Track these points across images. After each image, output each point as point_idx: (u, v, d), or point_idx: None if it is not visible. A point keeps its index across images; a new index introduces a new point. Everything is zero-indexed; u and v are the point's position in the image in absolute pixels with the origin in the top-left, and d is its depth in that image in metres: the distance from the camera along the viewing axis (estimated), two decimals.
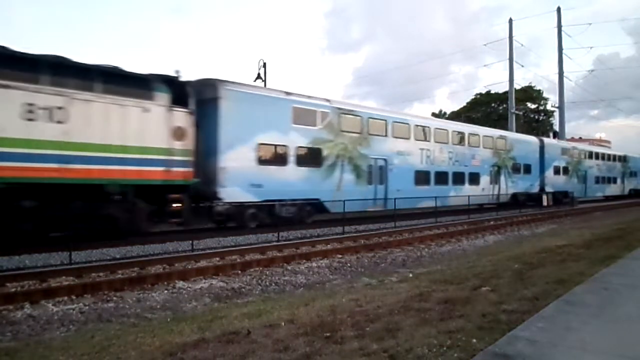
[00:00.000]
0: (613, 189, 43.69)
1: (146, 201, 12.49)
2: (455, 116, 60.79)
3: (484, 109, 63.61)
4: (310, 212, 17.53)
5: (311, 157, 17.41)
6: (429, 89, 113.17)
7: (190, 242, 11.91)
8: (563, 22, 46.55)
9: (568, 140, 47.26)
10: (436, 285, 6.84)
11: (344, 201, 16.24)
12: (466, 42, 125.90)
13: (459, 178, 24.59)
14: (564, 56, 46.44)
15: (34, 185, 10.55)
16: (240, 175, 14.93)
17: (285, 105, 16.74)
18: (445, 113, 69.51)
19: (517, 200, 28.73)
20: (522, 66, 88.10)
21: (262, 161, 15.79)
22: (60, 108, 10.78)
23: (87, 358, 4.38)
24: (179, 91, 12.92)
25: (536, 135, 40.41)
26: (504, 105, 54.89)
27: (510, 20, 45.12)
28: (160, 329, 5.48)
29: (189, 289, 8.43)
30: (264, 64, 26.87)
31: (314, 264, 10.95)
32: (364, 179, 19.37)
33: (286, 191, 16.31)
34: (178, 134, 12.78)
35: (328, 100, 18.56)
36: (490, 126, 35.10)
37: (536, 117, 63.92)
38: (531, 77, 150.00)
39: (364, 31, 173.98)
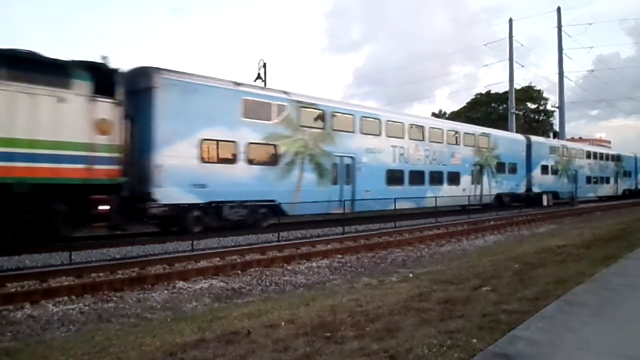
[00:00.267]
0: (606, 190, 42.29)
1: (65, 203, 11.09)
2: (455, 116, 60.76)
3: (484, 109, 63.52)
4: (265, 215, 16.17)
5: (265, 155, 16.15)
6: (429, 89, 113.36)
7: (191, 242, 11.92)
8: (563, 22, 46.58)
9: (568, 140, 47.26)
10: (436, 285, 6.84)
11: (302, 203, 15.43)
12: (466, 42, 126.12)
13: (436, 178, 23.25)
14: (564, 56, 46.47)
15: None
16: (179, 174, 13.55)
17: (233, 97, 15.22)
18: (445, 113, 69.46)
19: (502, 201, 27.77)
20: (522, 66, 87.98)
21: (206, 159, 14.43)
22: None
23: (87, 358, 4.38)
24: (105, 80, 11.49)
25: (536, 135, 40.38)
26: (504, 105, 54.85)
27: (510, 20, 45.16)
28: (161, 329, 5.48)
29: (189, 289, 8.43)
30: (264, 64, 26.89)
31: (314, 264, 10.95)
32: (328, 179, 17.97)
33: (236, 192, 14.94)
34: (102, 127, 11.39)
35: (286, 93, 17.09)
36: (490, 126, 34.44)
37: (536, 117, 63.86)
38: (531, 77, 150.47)
39: (364, 31, 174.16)
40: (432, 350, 3.79)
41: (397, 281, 8.27)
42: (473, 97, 66.07)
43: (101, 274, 9.05)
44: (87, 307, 7.12)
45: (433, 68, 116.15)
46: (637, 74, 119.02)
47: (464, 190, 24.84)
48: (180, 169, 13.59)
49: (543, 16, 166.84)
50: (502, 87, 55.38)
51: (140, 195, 12.90)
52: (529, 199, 30.29)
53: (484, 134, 27.63)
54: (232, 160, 15.11)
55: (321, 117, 18.08)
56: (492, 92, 59.81)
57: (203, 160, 14.33)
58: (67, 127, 10.96)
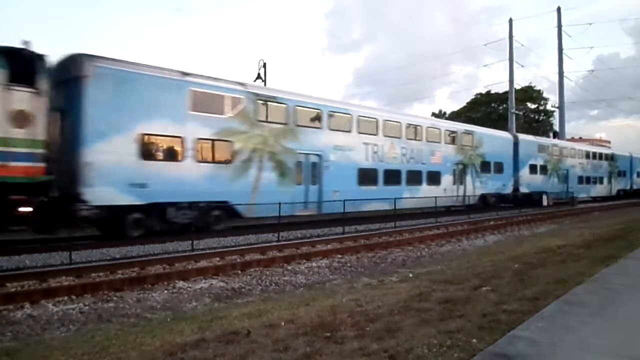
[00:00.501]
0: (599, 190, 40.78)
1: None
2: (455, 116, 60.77)
3: (484, 109, 63.54)
4: (219, 217, 14.97)
5: (217, 152, 14.86)
6: (429, 89, 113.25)
7: (191, 242, 11.91)
8: (563, 22, 46.63)
9: (568, 140, 47.24)
10: (436, 285, 6.84)
11: (261, 205, 14.38)
12: (466, 42, 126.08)
13: (414, 177, 21.96)
14: (564, 56, 46.53)
15: None
16: (114, 173, 12.30)
17: (179, 88, 13.87)
18: (445, 113, 69.47)
19: (487, 202, 26.63)
20: (522, 66, 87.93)
21: (146, 155, 13.15)
22: None
23: (87, 358, 4.38)
24: (24, 67, 10.35)
25: (536, 134, 40.31)
26: (504, 105, 54.84)
27: (511, 20, 45.14)
28: (161, 329, 5.48)
29: (189, 289, 8.43)
30: (264, 64, 26.90)
31: (314, 264, 10.95)
32: (291, 179, 16.71)
33: (182, 192, 13.67)
34: (19, 119, 10.21)
35: (242, 84, 15.82)
36: (490, 126, 34.39)
37: (536, 117, 63.86)
38: (531, 77, 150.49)
39: (364, 31, 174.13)
40: (432, 350, 3.80)
41: (397, 281, 8.28)
42: (473, 97, 66.13)
43: (101, 274, 9.05)
44: (87, 307, 7.12)
45: (433, 68, 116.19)
46: (637, 74, 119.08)
47: (445, 190, 23.66)
48: (115, 166, 12.34)
49: (543, 16, 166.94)
50: (502, 87, 55.43)
51: (70, 195, 11.80)
52: (517, 200, 29.16)
53: (467, 132, 26.40)
54: (177, 158, 13.86)
55: (283, 112, 16.74)
56: (492, 92, 59.87)
57: (143, 157, 13.07)
58: None
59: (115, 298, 7.67)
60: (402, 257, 12.31)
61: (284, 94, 17.07)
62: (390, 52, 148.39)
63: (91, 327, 6.19)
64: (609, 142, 72.26)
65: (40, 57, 10.84)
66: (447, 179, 24.05)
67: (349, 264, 11.14)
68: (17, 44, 10.64)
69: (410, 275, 8.89)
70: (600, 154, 42.15)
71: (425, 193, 21.88)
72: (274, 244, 13.01)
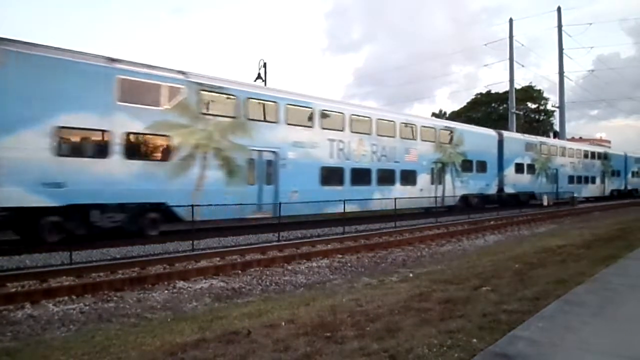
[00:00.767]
0: (591, 190, 39.03)
1: None
2: (456, 116, 60.79)
3: (485, 109, 63.62)
4: (155, 220, 13.59)
5: (152, 148, 13.56)
6: (429, 89, 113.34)
7: (191, 242, 11.91)
8: (563, 22, 46.70)
9: (568, 140, 47.19)
10: (436, 285, 6.84)
11: (205, 206, 13.16)
12: (466, 42, 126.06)
13: (386, 177, 20.52)
14: (564, 56, 46.58)
15: None
16: (22, 171, 11.01)
17: (105, 77, 12.39)
18: (445, 113, 69.54)
19: (469, 203, 25.24)
20: (523, 66, 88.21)
21: (63, 151, 11.78)
22: None
23: (87, 358, 4.38)
24: None
25: (536, 134, 40.21)
26: (505, 105, 54.89)
27: (511, 20, 45.20)
28: (161, 329, 5.48)
29: (189, 289, 8.43)
30: (264, 64, 26.92)
31: (315, 264, 10.95)
32: (241, 178, 15.23)
33: (108, 192, 12.24)
34: None
35: (182, 73, 14.18)
36: (490, 126, 34.05)
37: (536, 117, 63.92)
38: (531, 77, 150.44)
39: (364, 31, 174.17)
40: (432, 350, 3.80)
41: (397, 281, 8.28)
42: (473, 97, 66.27)
43: (101, 274, 9.05)
44: (87, 307, 7.13)
45: (433, 68, 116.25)
46: (637, 73, 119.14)
47: (421, 191, 22.17)
48: (24, 164, 11.04)
49: (543, 16, 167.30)
50: (502, 87, 55.60)
51: None
52: (501, 201, 28.05)
53: (446, 128, 25.01)
54: (102, 154, 12.37)
55: (232, 104, 15.27)
56: (493, 92, 60.02)
57: (59, 153, 11.68)
58: None
59: (115, 298, 7.67)
60: (402, 257, 12.31)
61: (233, 85, 15.61)
62: (391, 52, 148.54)
63: (91, 327, 6.19)
64: (609, 142, 72.29)
65: None
66: (423, 179, 22.60)
67: (349, 264, 11.14)
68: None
69: (411, 275, 8.89)
70: (593, 153, 40.69)
71: (399, 194, 20.30)
72: (274, 243, 13.01)
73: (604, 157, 41.90)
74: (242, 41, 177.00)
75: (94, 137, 12.48)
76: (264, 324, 4.97)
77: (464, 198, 25.06)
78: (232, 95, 15.30)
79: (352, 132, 19.18)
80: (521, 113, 51.99)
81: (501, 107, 59.85)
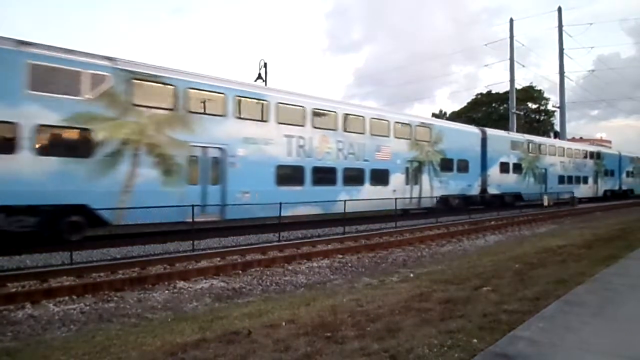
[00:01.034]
0: (583, 190, 37.08)
1: None
2: (456, 116, 60.83)
3: (485, 109, 63.65)
4: (76, 224, 11.96)
5: (70, 143, 12.11)
6: (429, 89, 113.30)
7: (191, 242, 11.91)
8: (564, 22, 46.68)
9: (569, 140, 47.11)
10: (437, 285, 6.84)
11: (135, 208, 11.82)
12: (467, 43, 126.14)
13: (354, 176, 18.93)
14: (564, 56, 46.55)
15: None
16: None
17: (12, 62, 11.02)
18: (445, 113, 69.54)
19: (449, 205, 23.73)
20: (523, 66, 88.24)
21: None
22: None
23: (88, 358, 4.39)
24: None
25: (537, 135, 40.09)
26: (505, 105, 54.91)
27: (511, 20, 45.21)
28: (161, 329, 5.49)
29: (189, 289, 8.43)
30: (265, 64, 26.97)
31: (315, 264, 10.95)
32: (181, 177, 13.75)
33: (14, 193, 10.81)
34: None
35: (109, 59, 12.65)
36: (491, 126, 33.76)
37: (537, 117, 63.93)
38: (532, 77, 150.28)
39: (364, 32, 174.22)
40: (433, 350, 3.80)
41: (397, 281, 8.27)
42: (474, 97, 66.30)
43: (102, 274, 9.06)
44: (87, 307, 7.13)
45: (433, 68, 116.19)
46: (638, 74, 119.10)
47: (394, 191, 20.28)
48: None
49: (544, 16, 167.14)
50: (502, 87, 55.56)
51: None
52: (484, 202, 26.49)
53: (423, 125, 23.16)
54: (8, 149, 10.95)
55: (170, 95, 13.72)
56: (493, 92, 60.04)
57: None
58: None
59: (116, 298, 7.68)
60: (402, 257, 12.31)
61: (171, 73, 13.92)
62: (391, 52, 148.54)
63: (92, 327, 6.20)
64: (610, 142, 72.28)
65: None
66: (397, 179, 20.94)
67: (349, 264, 11.14)
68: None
69: (411, 275, 8.89)
70: (585, 152, 39.05)
71: (368, 194, 18.84)
72: (275, 244, 13.00)
73: (597, 156, 40.32)
74: (243, 41, 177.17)
75: None
76: (265, 324, 4.97)
77: (444, 199, 23.59)
78: (170, 85, 13.73)
79: (314, 127, 17.60)
80: (522, 113, 52.00)
81: (502, 107, 59.87)
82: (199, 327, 5.27)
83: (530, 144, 31.51)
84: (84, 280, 8.49)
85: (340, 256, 11.90)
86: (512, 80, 45.26)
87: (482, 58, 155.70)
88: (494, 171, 27.41)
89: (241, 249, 11.84)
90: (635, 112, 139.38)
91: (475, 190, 25.84)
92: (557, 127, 51.24)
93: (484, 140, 26.95)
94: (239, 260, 10.69)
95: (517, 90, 47.72)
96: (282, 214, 14.65)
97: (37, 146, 11.39)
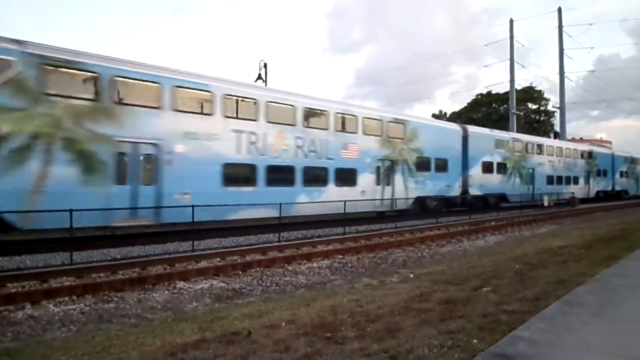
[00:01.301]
0: (574, 191, 34.99)
1: None
2: (456, 117, 60.87)
3: (485, 110, 63.70)
4: None
5: None
6: (429, 89, 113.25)
7: (191, 242, 11.91)
8: (564, 23, 46.77)
9: (569, 140, 47.06)
10: (437, 285, 6.84)
11: (47, 212, 10.13)
12: (467, 43, 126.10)
13: (316, 176, 17.43)
14: (564, 57, 46.58)
15: None
16: None
17: None
18: (445, 113, 69.59)
19: (426, 207, 22.24)
20: (523, 67, 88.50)
21: None
22: None
23: (88, 358, 4.39)
24: None
25: (537, 135, 40.01)
26: (505, 106, 54.97)
27: (511, 21, 45.28)
28: (161, 329, 5.49)
29: (189, 289, 8.43)
30: (265, 64, 27.00)
31: (315, 265, 10.95)
32: (105, 176, 12.24)
33: None
34: None
35: (17, 42, 11.20)
36: (491, 126, 33.43)
37: (537, 117, 63.97)
38: (532, 77, 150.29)
39: (364, 32, 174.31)
40: (433, 350, 3.80)
41: (397, 282, 8.28)
42: (474, 97, 66.34)
43: (102, 274, 9.06)
44: (87, 308, 7.13)
45: (433, 68, 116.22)
46: (638, 74, 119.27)
47: (363, 192, 18.90)
48: None
49: (544, 16, 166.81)
50: (502, 87, 55.64)
51: None
52: (465, 203, 25.20)
53: (397, 121, 21.37)
54: None
55: (93, 83, 12.25)
56: (493, 92, 60.08)
57: None
58: None
59: (116, 298, 7.68)
60: (402, 257, 12.31)
61: (94, 59, 12.35)
62: (391, 52, 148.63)
63: (92, 327, 6.20)
64: (610, 142, 72.26)
65: None
66: (366, 179, 19.37)
67: (349, 265, 11.14)
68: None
69: (411, 275, 8.89)
70: (576, 151, 37.38)
71: (333, 196, 17.13)
72: (275, 244, 13.00)
73: (589, 155, 38.63)
74: (243, 42, 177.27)
75: None
76: (265, 325, 4.97)
77: (421, 200, 22.05)
78: (92, 73, 12.19)
79: (268, 122, 16.00)
80: (522, 114, 52.02)
81: (502, 108, 59.92)
82: (199, 327, 5.27)
83: (516, 143, 30.04)
84: (84, 281, 8.49)
85: (340, 256, 11.90)
86: (512, 81, 45.34)
87: (482, 58, 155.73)
88: (475, 171, 25.95)
89: (241, 250, 11.84)
90: (635, 112, 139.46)
91: (455, 191, 24.36)
92: (557, 128, 51.26)
93: (465, 138, 25.42)
94: (239, 261, 10.69)
95: (517, 91, 47.78)
96: (230, 217, 13.86)
97: None
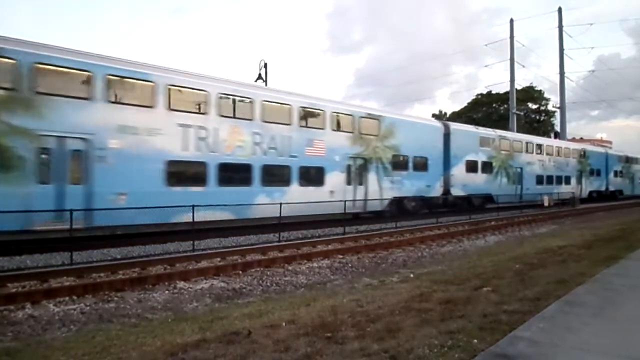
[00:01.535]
0: (565, 192, 33.55)
1: None
2: (456, 117, 60.84)
3: (485, 110, 63.66)
4: None
5: None
6: (429, 89, 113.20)
7: (192, 242, 11.91)
8: (564, 23, 46.75)
9: (569, 140, 47.02)
10: (437, 285, 6.84)
11: None
12: (467, 43, 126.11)
13: (277, 175, 16.21)
14: (565, 57, 46.58)
15: None
16: None
17: None
18: (445, 113, 69.54)
19: (404, 208, 20.96)
20: (523, 66, 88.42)
21: None
22: None
23: (88, 358, 4.39)
24: None
25: (537, 135, 39.87)
26: (505, 106, 54.95)
27: (512, 21, 45.26)
28: (161, 329, 5.49)
29: (190, 289, 8.43)
30: (265, 64, 27.00)
31: (315, 264, 10.95)
32: (26, 174, 11.04)
33: None
34: None
35: None
36: (491, 127, 33.23)
37: (537, 117, 63.94)
38: (532, 77, 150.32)
39: (365, 32, 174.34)
40: (433, 350, 3.80)
41: (398, 281, 8.27)
42: (474, 97, 66.28)
43: (102, 274, 9.05)
44: (88, 307, 7.13)
45: (434, 68, 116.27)
46: (638, 74, 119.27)
47: (332, 193, 17.54)
48: None
49: (544, 16, 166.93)
50: (503, 87, 55.59)
51: None
52: (447, 204, 24.00)
53: (370, 116, 20.05)
54: None
55: (7, 70, 11.04)
56: (493, 92, 60.02)
57: None
58: None
59: (116, 298, 7.68)
60: (403, 257, 12.31)
61: (11, 44, 11.11)
62: (391, 52, 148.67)
63: (92, 327, 6.20)
64: (610, 142, 72.23)
65: None
66: (335, 178, 18.04)
67: (350, 264, 11.14)
68: None
69: (411, 275, 8.88)
70: (568, 150, 35.99)
71: (297, 197, 16.13)
72: (275, 244, 13.00)
73: (581, 154, 37.24)
74: (244, 42, 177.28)
75: None
76: (265, 325, 4.97)
77: (398, 201, 20.80)
78: (9, 59, 10.98)
79: (220, 116, 14.71)
80: (522, 114, 51.98)
81: (502, 108, 59.89)
82: (199, 327, 5.27)
83: (503, 141, 28.55)
84: (84, 281, 8.49)
85: (341, 256, 11.90)
86: (512, 81, 45.31)
87: (483, 58, 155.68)
88: (458, 170, 24.62)
89: (241, 249, 11.83)
90: (635, 112, 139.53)
91: (436, 192, 23.08)
92: (558, 128, 51.24)
93: (447, 136, 24.06)
94: (239, 261, 10.69)
95: (518, 91, 47.75)
96: (176, 220, 12.74)
97: None
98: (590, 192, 38.39)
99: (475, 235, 16.85)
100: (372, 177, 19.60)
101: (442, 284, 6.90)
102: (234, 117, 15.21)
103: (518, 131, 39.63)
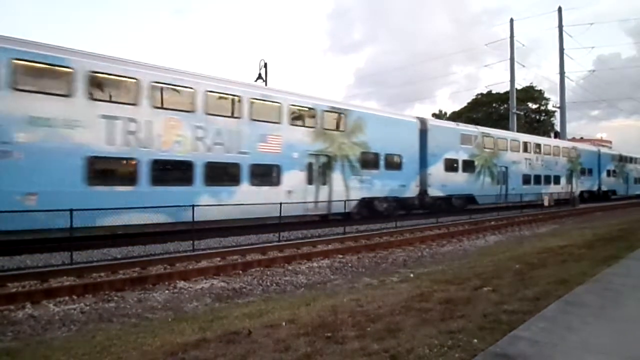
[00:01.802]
0: (555, 191, 32.12)
1: None
2: (456, 116, 60.83)
3: (485, 109, 63.65)
4: None
5: None
6: (430, 89, 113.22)
7: (192, 242, 11.91)
8: (564, 23, 46.64)
9: (569, 139, 46.99)
10: (437, 285, 6.84)
11: None
12: (467, 43, 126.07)
13: (224, 174, 14.76)
14: (565, 56, 46.52)
15: None
16: None
17: None
18: (446, 113, 69.53)
19: (374, 209, 19.68)
20: (523, 66, 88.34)
21: None
22: None
23: (88, 358, 4.39)
24: None
25: (537, 134, 39.76)
26: (505, 106, 54.96)
27: (512, 21, 45.23)
28: (161, 329, 5.49)
29: (190, 289, 8.43)
30: (265, 64, 26.96)
31: (315, 264, 10.95)
32: None
33: None
34: None
35: None
36: (491, 126, 32.90)
37: (537, 117, 63.92)
38: (532, 77, 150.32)
39: (365, 32, 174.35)
40: (433, 350, 3.80)
41: (398, 281, 8.27)
42: (474, 97, 66.25)
43: (102, 274, 9.06)
44: (88, 307, 7.13)
45: (434, 68, 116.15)
46: (638, 74, 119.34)
47: (289, 193, 16.18)
48: None
49: (544, 16, 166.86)
50: (503, 87, 55.50)
51: None
52: (424, 205, 22.48)
53: (335, 110, 18.51)
54: None
55: None
56: (493, 92, 60.01)
57: None
58: None
59: (116, 298, 7.68)
60: (403, 257, 12.31)
61: None
62: (392, 52, 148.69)
63: (92, 327, 6.20)
64: (611, 142, 72.21)
65: None
66: (294, 177, 16.58)
67: (350, 264, 11.14)
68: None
69: (411, 275, 8.88)
70: (557, 148, 34.19)
71: (248, 197, 14.78)
72: (275, 244, 12.99)
73: (572, 153, 35.74)
74: (244, 42, 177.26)
75: None
76: (265, 324, 4.97)
77: (367, 202, 19.43)
78: None
79: (154, 107, 13.17)
80: (522, 113, 51.96)
81: (502, 108, 59.90)
82: (199, 327, 5.27)
83: (486, 138, 26.84)
84: (84, 280, 8.49)
85: (341, 256, 11.90)
86: (512, 81, 45.29)
87: (483, 58, 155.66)
88: (436, 169, 23.03)
89: (241, 249, 11.83)
90: (635, 112, 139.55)
91: (411, 192, 21.46)
92: (558, 128, 51.22)
93: (423, 132, 22.48)
94: (239, 261, 10.69)
95: (518, 91, 47.73)
96: (100, 224, 11.50)
97: None
98: (582, 192, 36.69)
99: (475, 235, 16.85)
100: (337, 176, 18.15)
101: (442, 284, 6.89)
102: (172, 109, 13.60)
103: (518, 131, 39.57)
